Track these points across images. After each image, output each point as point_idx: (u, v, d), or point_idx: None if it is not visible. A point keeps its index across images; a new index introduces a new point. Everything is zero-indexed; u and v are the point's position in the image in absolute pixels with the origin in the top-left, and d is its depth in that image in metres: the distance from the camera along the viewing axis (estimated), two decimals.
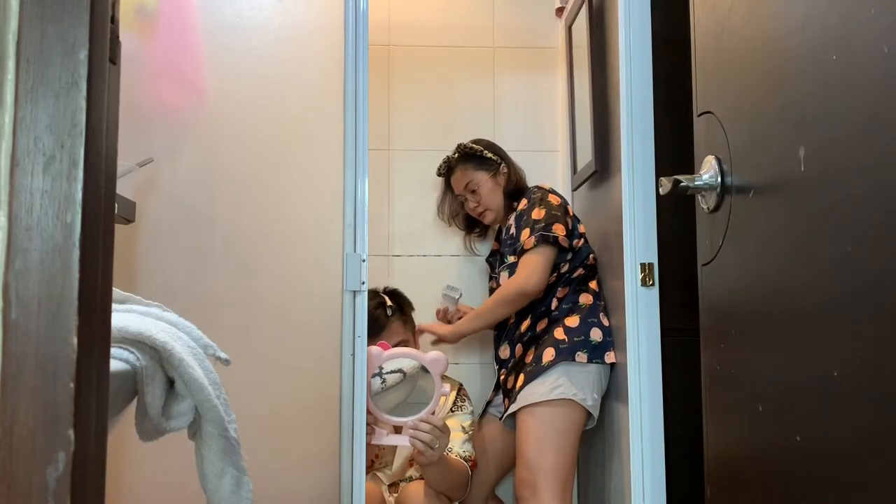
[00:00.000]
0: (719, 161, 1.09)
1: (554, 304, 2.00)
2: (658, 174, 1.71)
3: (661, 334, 1.71)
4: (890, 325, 0.70)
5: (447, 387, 1.77)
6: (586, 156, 2.14)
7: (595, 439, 2.07)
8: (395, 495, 1.94)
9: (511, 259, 2.08)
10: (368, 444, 1.61)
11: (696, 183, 1.12)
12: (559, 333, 1.95)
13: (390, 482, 2.01)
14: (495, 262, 2.23)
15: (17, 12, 0.50)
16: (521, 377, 1.95)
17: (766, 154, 0.96)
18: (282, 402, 1.44)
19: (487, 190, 2.20)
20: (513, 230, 2.11)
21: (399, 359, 1.73)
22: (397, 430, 1.78)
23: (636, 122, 1.74)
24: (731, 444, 1.07)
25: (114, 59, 0.56)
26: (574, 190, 2.37)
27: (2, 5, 0.50)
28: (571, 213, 2.09)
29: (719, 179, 1.09)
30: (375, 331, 1.95)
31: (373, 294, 2.06)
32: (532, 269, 1.96)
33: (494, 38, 2.59)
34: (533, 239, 1.97)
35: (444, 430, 1.72)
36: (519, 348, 2.03)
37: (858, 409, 0.75)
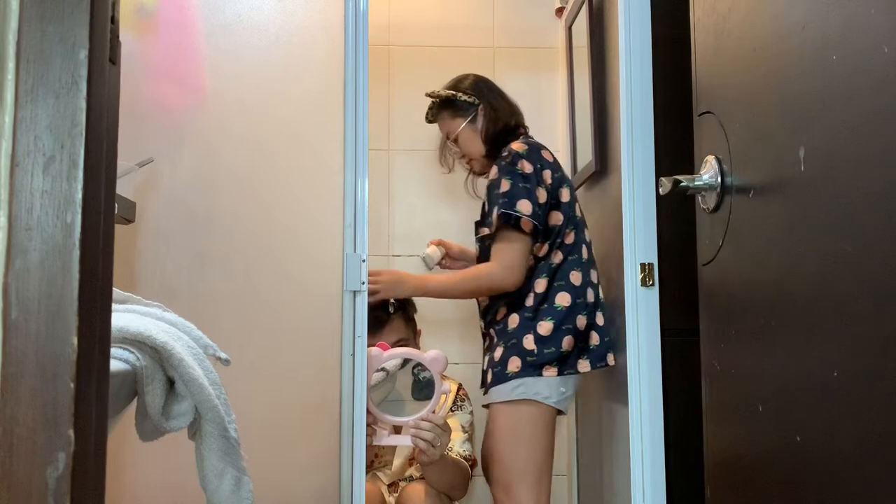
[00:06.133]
0: (719, 161, 1.09)
1: (530, 300, 1.83)
2: (658, 174, 1.71)
3: (661, 334, 1.71)
4: (890, 325, 0.70)
5: (448, 385, 1.77)
6: (586, 156, 2.14)
7: (595, 439, 2.07)
8: (395, 495, 1.94)
9: (482, 231, 1.92)
10: (369, 446, 1.61)
11: (696, 183, 1.12)
12: (528, 343, 1.79)
13: (390, 482, 2.01)
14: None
15: (17, 12, 0.50)
16: (499, 350, 1.82)
17: (766, 154, 0.96)
18: (282, 402, 1.44)
19: (465, 139, 2.00)
20: (484, 198, 1.95)
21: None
22: (397, 429, 1.78)
23: (636, 122, 1.74)
24: (731, 444, 1.07)
25: (114, 59, 0.56)
26: (574, 190, 2.37)
27: (2, 5, 0.50)
28: (550, 181, 1.87)
29: (719, 179, 1.09)
30: (376, 327, 1.94)
31: None
32: (509, 263, 1.81)
33: (494, 38, 2.59)
34: (498, 220, 1.81)
35: (446, 429, 1.72)
36: (501, 311, 1.89)
37: (858, 409, 0.75)
